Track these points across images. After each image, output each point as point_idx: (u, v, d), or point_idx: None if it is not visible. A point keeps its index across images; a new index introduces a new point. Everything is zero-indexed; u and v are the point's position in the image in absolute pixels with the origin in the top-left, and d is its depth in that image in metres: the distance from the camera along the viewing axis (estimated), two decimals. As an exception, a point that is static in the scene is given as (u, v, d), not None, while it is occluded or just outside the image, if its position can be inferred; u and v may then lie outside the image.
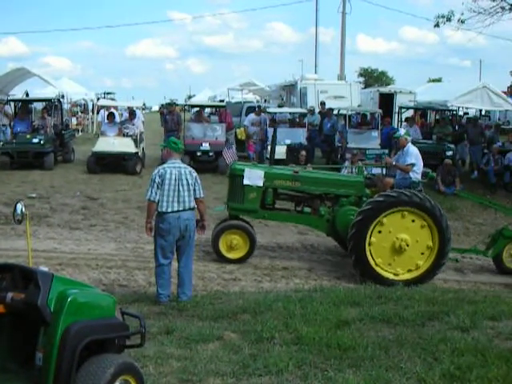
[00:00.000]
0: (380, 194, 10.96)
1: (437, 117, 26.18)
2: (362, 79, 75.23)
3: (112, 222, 13.63)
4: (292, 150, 19.32)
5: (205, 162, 19.96)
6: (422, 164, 11.94)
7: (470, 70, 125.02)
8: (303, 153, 18.76)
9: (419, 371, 5.80)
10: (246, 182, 11.49)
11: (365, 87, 44.21)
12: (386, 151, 20.38)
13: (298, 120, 22.85)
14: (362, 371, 5.83)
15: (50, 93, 27.75)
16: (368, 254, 10.71)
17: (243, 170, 11.61)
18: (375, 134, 20.95)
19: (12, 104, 22.86)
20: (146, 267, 10.75)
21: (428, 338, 6.76)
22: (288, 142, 20.09)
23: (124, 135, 20.60)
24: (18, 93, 28.31)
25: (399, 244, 10.72)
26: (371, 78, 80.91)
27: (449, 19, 19.90)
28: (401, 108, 23.10)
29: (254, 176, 11.51)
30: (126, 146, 19.70)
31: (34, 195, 15.91)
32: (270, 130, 20.87)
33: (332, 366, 5.95)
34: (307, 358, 6.10)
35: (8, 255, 10.54)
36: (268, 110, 24.09)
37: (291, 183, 11.78)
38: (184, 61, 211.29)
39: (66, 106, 30.37)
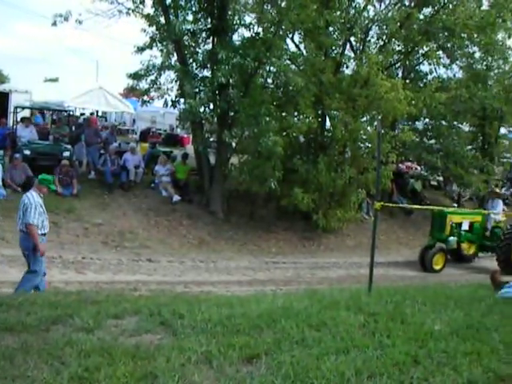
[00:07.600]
0: None
1: (54, 117, 26.05)
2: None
3: None
4: None
5: None
6: None
7: (87, 70, 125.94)
8: None
9: (47, 377, 5.65)
10: None
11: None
12: (1, 152, 19.66)
13: None
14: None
15: None
16: None
17: None
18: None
19: None
20: None
21: (53, 342, 6.62)
22: None
23: None
24: None
25: None
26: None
27: (66, 19, 19.84)
28: (16, 108, 22.41)
29: None
30: None
31: None
32: None
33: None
34: None
35: None
36: None
37: None
38: None
39: None
